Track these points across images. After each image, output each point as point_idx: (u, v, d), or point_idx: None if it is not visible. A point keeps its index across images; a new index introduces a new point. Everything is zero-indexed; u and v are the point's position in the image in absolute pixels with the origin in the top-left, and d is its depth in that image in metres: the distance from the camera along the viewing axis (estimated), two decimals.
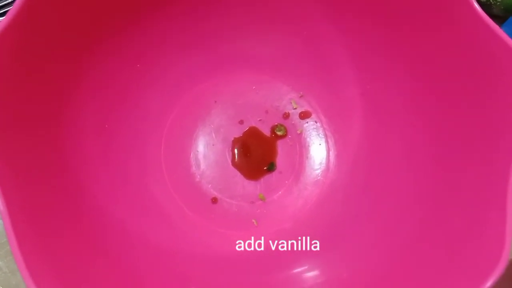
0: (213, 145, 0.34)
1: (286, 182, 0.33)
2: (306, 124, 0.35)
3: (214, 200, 0.32)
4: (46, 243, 0.20)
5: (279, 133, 0.34)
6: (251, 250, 0.30)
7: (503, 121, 0.22)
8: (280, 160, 0.34)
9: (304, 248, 0.30)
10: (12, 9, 0.20)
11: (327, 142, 0.34)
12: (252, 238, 0.31)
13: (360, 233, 0.29)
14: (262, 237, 0.31)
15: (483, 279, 0.18)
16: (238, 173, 0.33)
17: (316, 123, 0.34)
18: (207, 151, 0.34)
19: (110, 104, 0.30)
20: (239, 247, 0.30)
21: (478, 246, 0.21)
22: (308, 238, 0.30)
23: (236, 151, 0.34)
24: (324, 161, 0.33)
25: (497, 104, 0.23)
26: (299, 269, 0.29)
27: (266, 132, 0.34)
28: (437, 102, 0.27)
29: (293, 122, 0.35)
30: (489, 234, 0.20)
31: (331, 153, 0.34)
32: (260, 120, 0.35)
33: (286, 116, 0.35)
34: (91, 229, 0.25)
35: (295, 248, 0.30)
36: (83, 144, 0.28)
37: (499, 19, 0.38)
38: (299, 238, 0.30)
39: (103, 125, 0.29)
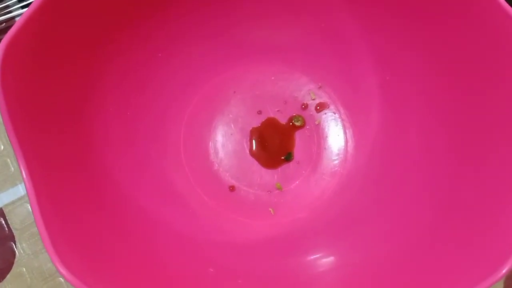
0: (231, 134, 0.34)
1: (304, 172, 0.33)
2: (324, 115, 0.35)
3: (232, 188, 0.33)
4: (71, 227, 0.21)
5: (297, 123, 0.34)
6: (268, 238, 0.31)
7: None
8: (298, 150, 0.34)
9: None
10: (35, 1, 0.21)
11: (345, 133, 0.34)
12: (269, 226, 0.31)
13: (374, 224, 0.29)
14: (279, 226, 0.31)
15: (492, 273, 0.18)
16: (256, 163, 0.34)
17: (335, 114, 0.35)
18: (225, 140, 0.34)
19: (132, 93, 0.30)
20: (256, 234, 0.31)
21: (491, 240, 0.21)
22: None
23: (254, 141, 0.34)
24: (342, 152, 0.34)
25: None
26: (314, 256, 0.30)
27: (284, 122, 0.35)
28: (456, 96, 0.27)
29: (311, 113, 0.35)
30: (502, 229, 0.20)
31: (349, 144, 0.34)
32: (278, 110, 0.35)
33: (305, 107, 0.35)
34: (113, 214, 0.26)
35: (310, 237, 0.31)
36: (106, 132, 0.28)
37: None
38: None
39: (126, 113, 0.30)
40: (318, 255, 0.29)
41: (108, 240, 0.24)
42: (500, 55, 0.23)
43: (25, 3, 0.35)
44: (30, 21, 0.21)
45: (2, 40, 0.20)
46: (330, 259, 0.29)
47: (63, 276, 0.17)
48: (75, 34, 0.25)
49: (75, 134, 0.26)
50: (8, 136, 0.19)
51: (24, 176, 0.19)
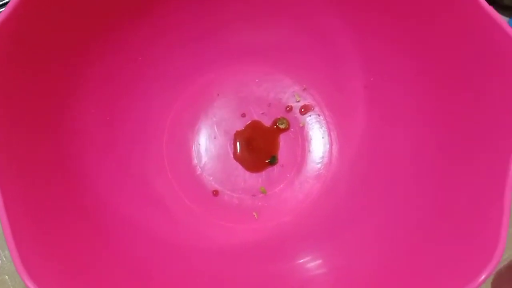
0: (215, 138, 0.34)
1: (288, 175, 0.33)
2: (309, 118, 0.34)
3: (216, 193, 0.32)
4: (47, 239, 0.21)
5: (281, 126, 0.34)
6: (252, 243, 0.31)
7: (503, 118, 0.22)
8: (282, 154, 0.34)
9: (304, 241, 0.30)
10: (12, 1, 0.20)
11: (329, 135, 0.34)
12: (253, 231, 0.31)
13: (360, 226, 0.29)
14: (263, 230, 0.31)
15: (476, 274, 0.18)
16: (240, 166, 0.33)
17: (319, 116, 0.34)
18: (209, 144, 0.34)
19: (112, 97, 0.30)
20: (240, 239, 0.31)
21: (476, 243, 0.21)
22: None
23: (238, 144, 0.34)
24: (326, 154, 0.33)
25: (499, 100, 0.22)
26: (300, 260, 0.29)
27: (269, 125, 0.34)
28: (440, 96, 0.27)
29: (295, 115, 0.34)
30: (486, 231, 0.20)
31: (333, 146, 0.33)
32: (262, 113, 0.34)
33: (289, 109, 0.34)
34: (93, 222, 0.25)
35: (295, 241, 0.30)
36: (86, 138, 0.28)
37: (510, 10, 0.37)
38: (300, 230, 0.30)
39: (105, 118, 0.29)
40: (304, 259, 0.29)
41: (88, 250, 0.23)
42: (483, 56, 0.23)
43: (0, 3, 0.34)
44: (4, 23, 0.20)
45: None
46: (317, 262, 0.29)
47: None
48: (53, 38, 0.24)
49: (53, 139, 0.25)
50: None
51: None
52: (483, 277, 0.18)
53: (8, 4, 0.20)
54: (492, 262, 0.18)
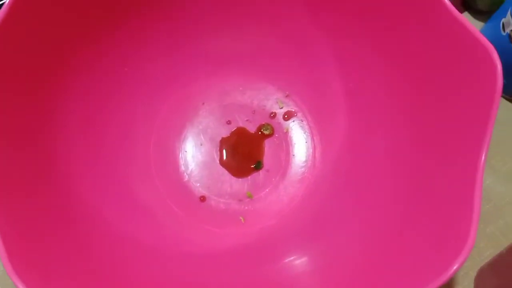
0: (201, 145, 0.35)
1: (273, 179, 0.34)
2: (292, 123, 0.35)
3: (203, 199, 0.33)
4: (31, 246, 0.21)
5: (266, 132, 0.35)
6: (239, 246, 0.31)
7: (475, 119, 0.22)
8: (267, 159, 0.34)
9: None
10: None
11: (312, 139, 0.35)
12: (240, 234, 0.31)
13: (343, 226, 0.30)
14: (249, 234, 0.32)
15: (449, 265, 0.19)
16: (226, 172, 0.34)
17: (302, 121, 0.35)
18: (195, 151, 0.34)
19: (97, 106, 0.31)
20: (227, 244, 0.31)
21: (449, 236, 0.21)
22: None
23: (224, 150, 0.34)
24: (309, 158, 0.34)
25: (471, 102, 0.23)
26: (286, 260, 0.30)
27: (253, 131, 0.35)
28: (419, 99, 0.28)
29: (279, 121, 0.35)
30: (459, 226, 0.21)
31: (316, 150, 0.34)
32: (247, 120, 0.35)
33: (273, 115, 0.35)
34: (77, 229, 0.26)
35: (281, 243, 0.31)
36: (70, 146, 0.28)
37: (484, 15, 0.38)
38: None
39: (90, 127, 0.30)
40: (290, 259, 0.30)
41: (73, 257, 0.24)
42: (452, 59, 0.24)
43: None
44: None
45: None
46: (302, 261, 0.29)
47: None
48: (36, 44, 0.25)
49: (37, 149, 0.26)
50: None
51: None
52: (455, 267, 0.19)
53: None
54: (463, 254, 0.19)
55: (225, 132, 0.35)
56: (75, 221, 0.26)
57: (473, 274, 0.31)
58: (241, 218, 0.33)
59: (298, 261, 0.30)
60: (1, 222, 0.19)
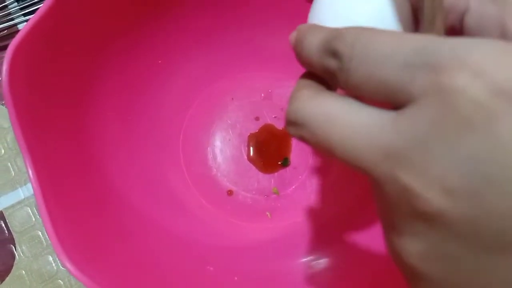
0: (229, 140, 0.35)
1: (300, 177, 0.34)
2: None
3: (230, 193, 0.34)
4: (74, 226, 0.22)
5: None
6: (264, 241, 0.32)
7: None
8: (294, 156, 0.35)
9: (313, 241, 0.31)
10: (42, 7, 0.22)
11: None
12: (265, 230, 0.32)
13: (369, 227, 0.30)
14: (275, 229, 0.32)
15: None
16: (253, 168, 0.34)
17: None
18: (224, 145, 0.35)
19: (132, 97, 0.31)
20: (253, 237, 0.32)
21: None
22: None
23: (251, 146, 0.35)
24: None
25: None
26: (308, 258, 0.30)
27: (281, 128, 0.35)
28: None
29: None
30: None
31: None
32: (275, 117, 0.36)
33: None
34: (114, 216, 0.26)
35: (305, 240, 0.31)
36: (106, 136, 0.29)
37: None
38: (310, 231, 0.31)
39: (125, 119, 0.31)
40: (312, 257, 0.30)
41: (110, 241, 0.25)
42: None
43: (27, 10, 0.36)
44: (36, 27, 0.21)
45: (9, 46, 0.20)
46: (324, 260, 0.30)
47: (69, 271, 0.18)
48: (78, 41, 0.26)
49: (77, 138, 0.26)
50: (16, 139, 0.20)
51: (31, 176, 0.19)
52: None
53: (37, 11, 0.22)
54: None
55: (253, 128, 0.35)
56: (111, 208, 0.26)
57: None
58: (267, 213, 0.33)
59: (319, 260, 0.30)
60: (52, 208, 0.19)
